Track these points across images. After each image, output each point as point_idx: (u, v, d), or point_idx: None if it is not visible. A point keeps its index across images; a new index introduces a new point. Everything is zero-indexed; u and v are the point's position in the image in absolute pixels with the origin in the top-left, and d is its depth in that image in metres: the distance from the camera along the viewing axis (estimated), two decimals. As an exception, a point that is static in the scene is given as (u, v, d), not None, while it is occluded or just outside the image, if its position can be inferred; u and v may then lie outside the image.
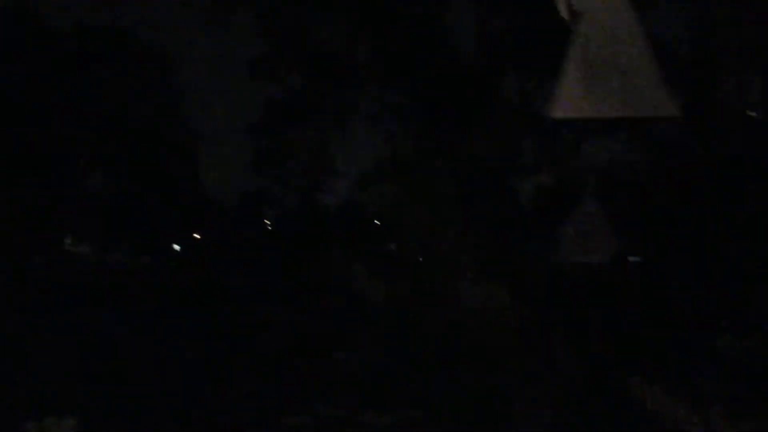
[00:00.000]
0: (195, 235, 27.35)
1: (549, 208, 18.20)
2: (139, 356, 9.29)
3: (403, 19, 13.47)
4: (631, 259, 15.72)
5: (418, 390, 6.46)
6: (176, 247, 26.49)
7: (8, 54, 19.17)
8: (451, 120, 13.92)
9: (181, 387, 7.30)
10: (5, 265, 18.30)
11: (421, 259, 10.81)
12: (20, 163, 19.49)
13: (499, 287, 8.27)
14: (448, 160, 13.27)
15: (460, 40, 15.18)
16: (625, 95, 1.89)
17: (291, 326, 11.24)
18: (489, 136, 14.38)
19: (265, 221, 27.74)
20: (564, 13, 2.01)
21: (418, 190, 11.80)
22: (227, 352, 9.71)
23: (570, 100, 1.91)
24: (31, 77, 19.30)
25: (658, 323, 8.44)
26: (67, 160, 21.99)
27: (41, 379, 7.24)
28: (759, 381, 6.22)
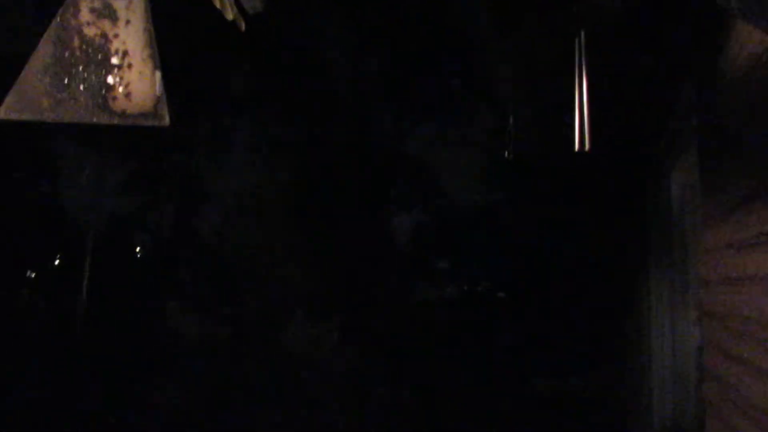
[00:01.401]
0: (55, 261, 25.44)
1: (417, 245, 18.86)
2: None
3: (282, 50, 13.64)
4: (499, 294, 16.55)
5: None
6: (31, 274, 24.47)
7: None
8: (325, 152, 14.16)
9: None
10: None
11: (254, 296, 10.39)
12: None
13: (334, 329, 8.32)
14: (318, 191, 13.45)
15: (337, 74, 15.59)
16: (102, 96, 1.53)
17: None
18: (362, 170, 14.77)
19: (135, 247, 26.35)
20: (230, 14, 1.69)
21: (285, 223, 11.81)
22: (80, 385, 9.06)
23: (26, 98, 1.51)
24: None
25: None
26: None
27: None
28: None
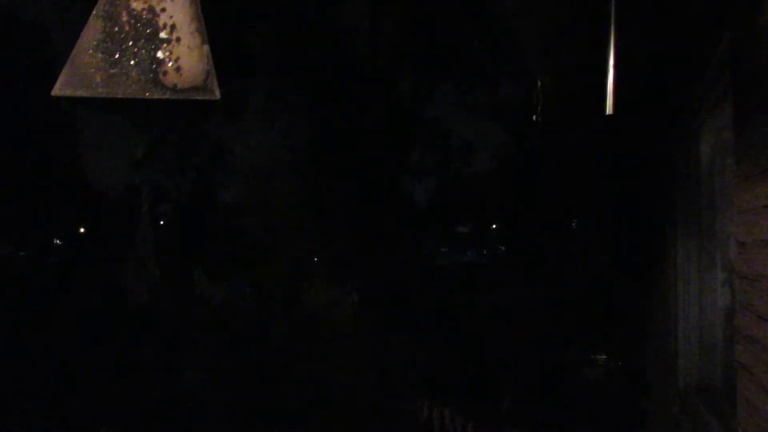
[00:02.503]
0: (80, 229, 25.90)
1: (439, 210, 18.84)
2: (14, 356, 8.73)
3: (299, 14, 13.48)
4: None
5: (260, 392, 6.48)
6: (57, 241, 25.00)
7: None
8: (344, 118, 14.09)
9: (54, 387, 6.98)
10: None
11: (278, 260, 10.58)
12: None
13: (351, 290, 8.41)
14: (338, 159, 13.42)
15: (355, 37, 15.42)
16: (153, 71, 1.52)
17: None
18: (381, 135, 14.70)
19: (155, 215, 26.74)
20: None
21: (307, 188, 11.84)
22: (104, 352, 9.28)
23: (80, 74, 1.51)
24: None
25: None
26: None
27: None
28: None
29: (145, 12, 1.51)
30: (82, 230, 26.82)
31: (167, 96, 1.50)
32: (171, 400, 6.36)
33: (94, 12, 1.48)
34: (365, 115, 13.74)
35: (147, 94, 1.49)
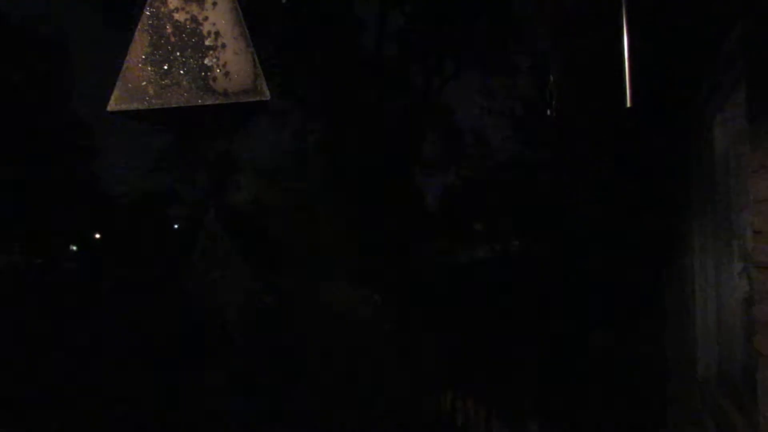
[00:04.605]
0: (95, 235, 26.16)
1: (452, 206, 18.83)
2: (32, 361, 8.85)
3: (310, 9, 13.51)
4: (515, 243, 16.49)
5: (287, 391, 6.55)
6: (73, 247, 25.27)
7: None
8: (357, 115, 14.12)
9: (70, 393, 7.09)
10: None
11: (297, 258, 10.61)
12: None
13: (375, 290, 8.45)
14: (349, 155, 13.46)
15: (365, 33, 15.43)
16: (203, 78, 1.57)
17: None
18: (394, 130, 14.71)
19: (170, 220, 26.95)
20: None
21: (318, 187, 11.91)
22: (119, 358, 9.40)
23: (132, 88, 1.57)
24: None
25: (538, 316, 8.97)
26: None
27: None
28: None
29: (188, 22, 1.57)
30: (97, 236, 27.05)
31: (219, 101, 1.55)
32: (199, 399, 6.46)
33: (138, 27, 1.54)
34: (379, 112, 13.78)
35: (199, 101, 1.55)
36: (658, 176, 5.82)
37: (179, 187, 23.52)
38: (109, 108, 1.58)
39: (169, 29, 1.56)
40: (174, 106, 1.55)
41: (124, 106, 1.55)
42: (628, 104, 2.56)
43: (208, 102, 1.55)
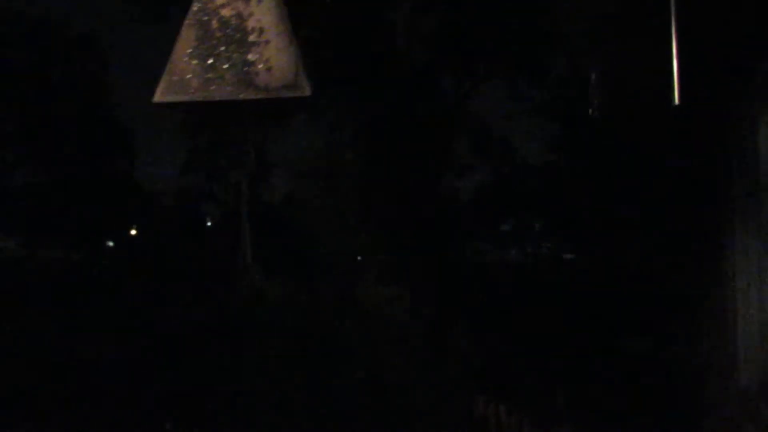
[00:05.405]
0: (131, 231, 26.75)
1: (482, 207, 18.72)
2: (72, 356, 9.07)
3: (339, 10, 13.59)
4: (566, 256, 16.32)
5: (315, 394, 6.56)
6: (110, 243, 25.87)
7: None
8: (388, 117, 14.15)
9: (115, 387, 7.25)
10: None
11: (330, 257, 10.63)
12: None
13: (405, 289, 8.42)
14: (383, 156, 13.49)
15: (399, 35, 15.44)
16: (245, 73, 1.60)
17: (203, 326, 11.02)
18: (425, 132, 14.69)
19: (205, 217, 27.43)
20: None
21: (351, 186, 11.95)
22: (156, 351, 9.57)
23: (177, 80, 1.60)
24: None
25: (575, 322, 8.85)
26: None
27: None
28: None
29: (234, 18, 1.59)
30: (133, 232, 27.62)
31: (260, 96, 1.57)
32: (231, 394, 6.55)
33: (185, 22, 1.58)
34: (409, 112, 13.77)
35: (241, 95, 1.56)
36: (698, 176, 5.69)
37: (211, 185, 23.91)
38: (154, 99, 1.61)
39: (215, 24, 1.59)
40: (217, 99, 1.58)
41: (168, 98, 1.59)
42: (676, 101, 2.50)
43: (250, 96, 1.58)
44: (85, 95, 21.22)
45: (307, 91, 1.61)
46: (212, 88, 1.57)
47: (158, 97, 1.60)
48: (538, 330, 8.41)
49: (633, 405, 5.77)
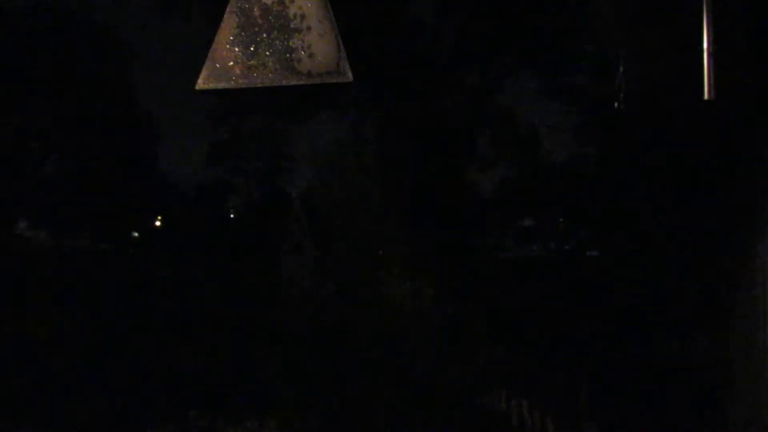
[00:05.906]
0: (156, 222, 27.11)
1: (505, 202, 18.60)
2: (101, 345, 9.22)
3: (364, 6, 13.58)
4: (589, 253, 16.14)
5: (339, 387, 6.59)
6: (135, 233, 26.24)
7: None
8: (412, 109, 14.12)
9: (138, 377, 7.35)
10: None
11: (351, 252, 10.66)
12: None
13: (429, 284, 8.40)
14: (406, 151, 13.48)
15: (422, 31, 15.39)
16: (288, 59, 1.61)
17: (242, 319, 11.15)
18: (449, 127, 14.63)
19: (229, 209, 27.70)
20: None
21: (374, 179, 11.95)
22: (183, 341, 9.67)
23: (220, 68, 1.61)
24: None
25: (600, 319, 8.77)
26: (22, 144, 21.58)
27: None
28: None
29: (275, 5, 1.61)
30: (157, 223, 27.97)
31: (303, 81, 1.60)
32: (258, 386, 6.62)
33: (228, 9, 1.61)
34: (435, 107, 13.74)
35: (284, 81, 1.59)
36: (729, 172, 5.59)
37: (235, 178, 24.11)
38: (197, 86, 1.63)
39: (257, 11, 1.61)
40: (259, 85, 1.60)
41: (211, 85, 1.61)
42: (707, 96, 2.45)
43: (292, 82, 1.60)
44: (110, 87, 21.47)
45: (348, 77, 1.63)
46: (255, 74, 1.59)
47: (201, 84, 1.62)
48: (561, 327, 8.35)
49: (659, 404, 5.70)
